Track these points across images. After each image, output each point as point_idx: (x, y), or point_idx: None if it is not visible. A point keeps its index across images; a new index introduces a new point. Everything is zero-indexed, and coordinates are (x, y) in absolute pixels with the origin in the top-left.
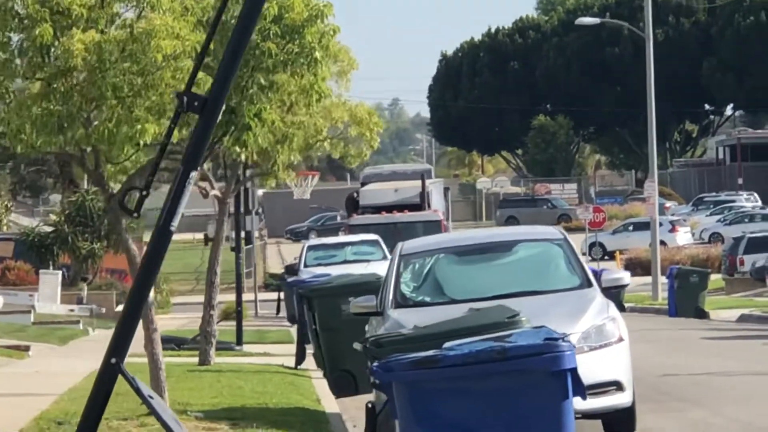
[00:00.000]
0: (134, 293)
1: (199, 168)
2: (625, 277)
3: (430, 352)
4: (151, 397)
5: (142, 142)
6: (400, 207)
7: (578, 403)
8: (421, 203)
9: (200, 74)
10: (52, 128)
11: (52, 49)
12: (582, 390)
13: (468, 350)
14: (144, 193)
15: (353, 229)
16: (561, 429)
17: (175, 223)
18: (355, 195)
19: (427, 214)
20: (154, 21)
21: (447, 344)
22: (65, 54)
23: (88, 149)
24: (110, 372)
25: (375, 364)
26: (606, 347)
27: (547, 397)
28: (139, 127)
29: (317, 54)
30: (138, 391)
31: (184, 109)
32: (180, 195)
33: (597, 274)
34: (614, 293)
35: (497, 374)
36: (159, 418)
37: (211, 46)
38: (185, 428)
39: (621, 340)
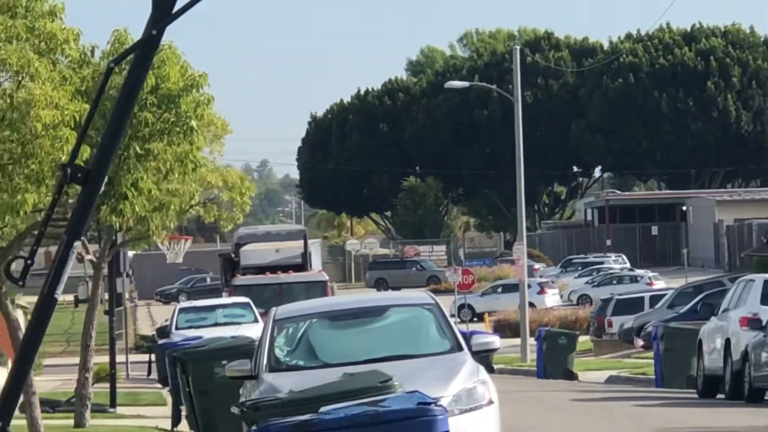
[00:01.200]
0: (20, 358)
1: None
2: (495, 341)
3: (307, 416)
4: None
5: (22, 212)
6: (283, 267)
7: None
8: (303, 263)
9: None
10: None
11: None
12: None
13: (344, 414)
14: (29, 262)
15: (237, 289)
16: None
17: (60, 290)
18: (233, 255)
19: (313, 274)
20: (34, 90)
21: (323, 408)
22: None
23: None
24: None
25: (254, 428)
26: (477, 410)
27: None
28: (19, 197)
29: (193, 123)
30: None
31: (67, 180)
32: (64, 264)
33: (467, 338)
34: (484, 356)
35: None
36: None
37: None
38: None
39: (491, 402)
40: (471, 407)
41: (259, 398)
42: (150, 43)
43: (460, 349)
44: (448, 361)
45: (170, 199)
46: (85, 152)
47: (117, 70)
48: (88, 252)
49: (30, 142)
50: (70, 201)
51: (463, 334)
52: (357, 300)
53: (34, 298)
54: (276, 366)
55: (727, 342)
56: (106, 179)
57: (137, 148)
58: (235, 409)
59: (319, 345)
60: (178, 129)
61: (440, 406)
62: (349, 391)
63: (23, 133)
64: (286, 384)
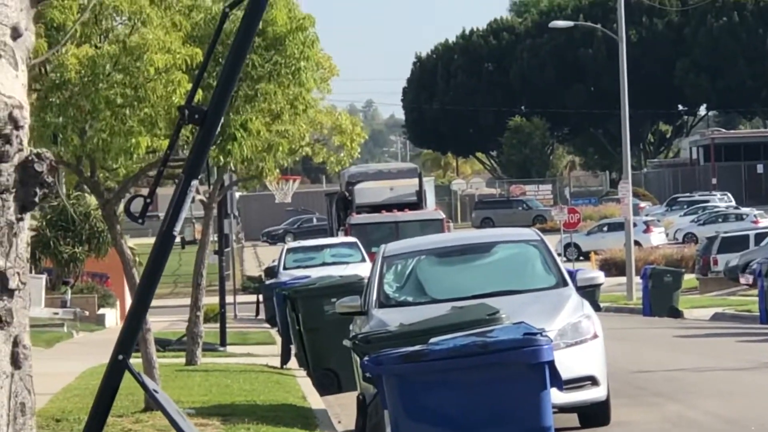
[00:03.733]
0: (139, 295)
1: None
2: (600, 276)
3: (417, 347)
4: (156, 391)
5: (136, 156)
6: (399, 206)
7: (555, 396)
8: (418, 201)
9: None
10: (48, 139)
11: (48, 64)
12: (559, 382)
13: (453, 344)
14: (148, 201)
15: (353, 228)
16: (540, 418)
17: (178, 228)
18: (347, 194)
19: (429, 212)
20: (146, 35)
21: (433, 339)
22: (60, 68)
23: (84, 158)
24: (118, 368)
25: (366, 358)
26: (581, 344)
27: (527, 388)
28: (133, 140)
29: (301, 64)
30: (144, 385)
31: (185, 122)
32: (182, 202)
33: (572, 274)
34: (589, 292)
35: (480, 367)
36: (164, 412)
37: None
38: (189, 421)
39: (596, 336)
40: (576, 341)
41: (371, 331)
42: None
43: (566, 284)
44: (553, 296)
45: (279, 140)
46: (198, 95)
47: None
48: (198, 192)
49: (143, 86)
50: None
51: (568, 271)
52: (464, 237)
53: (139, 240)
54: (385, 302)
55: None
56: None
57: (246, 90)
58: (347, 342)
59: (427, 281)
60: (286, 70)
61: (546, 336)
62: (458, 324)
63: (136, 76)
64: (395, 319)
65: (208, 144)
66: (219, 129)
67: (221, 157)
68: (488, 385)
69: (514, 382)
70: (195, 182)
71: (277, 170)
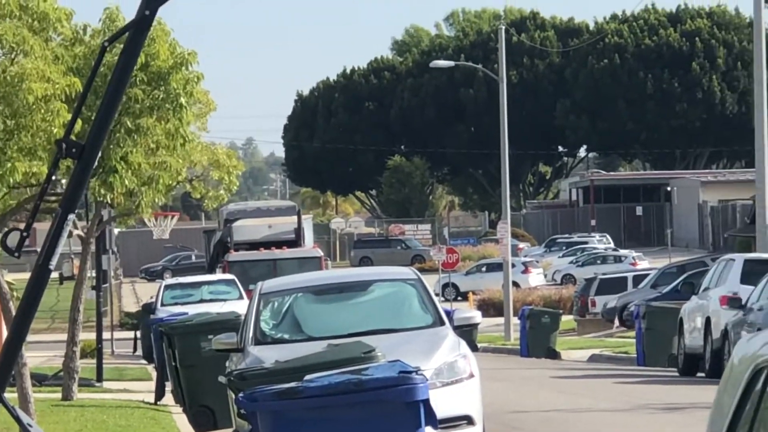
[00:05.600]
0: (15, 328)
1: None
2: (477, 316)
3: (292, 384)
4: (30, 426)
5: (12, 181)
6: (277, 243)
7: None
8: (297, 239)
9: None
10: None
11: None
12: (434, 420)
13: (327, 382)
14: (25, 234)
15: (232, 265)
16: None
17: (54, 261)
18: (223, 232)
19: (308, 250)
20: (26, 65)
21: (308, 377)
22: None
23: None
24: None
25: (240, 395)
26: (457, 383)
27: (402, 427)
28: (9, 165)
29: (182, 100)
30: (18, 420)
31: (63, 155)
32: (59, 236)
33: (449, 314)
34: (467, 332)
35: (355, 405)
36: None
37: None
38: None
39: (472, 376)
40: (452, 380)
41: (246, 368)
42: (143, 22)
43: (442, 323)
44: (430, 335)
45: (159, 173)
46: (77, 126)
47: (109, 48)
48: (76, 227)
49: (23, 116)
50: (57, 178)
51: (446, 311)
52: (341, 275)
53: (16, 275)
54: (261, 339)
55: (708, 321)
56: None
57: (128, 123)
58: (222, 379)
59: (304, 319)
60: (168, 106)
61: (421, 374)
62: (333, 361)
63: (16, 106)
64: (271, 356)
65: (85, 178)
66: (100, 161)
67: (102, 190)
68: (363, 423)
69: (389, 421)
70: (72, 216)
71: (154, 206)
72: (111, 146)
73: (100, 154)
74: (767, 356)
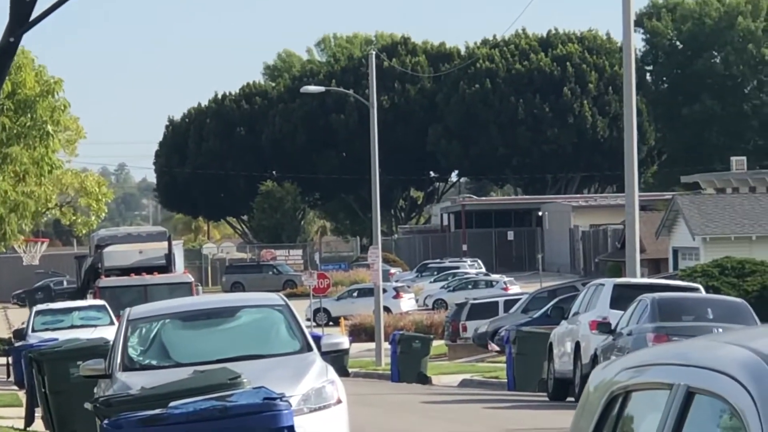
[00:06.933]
0: None
1: None
2: (344, 341)
3: (157, 411)
4: None
5: None
6: (147, 269)
7: None
8: (167, 265)
9: None
10: None
11: None
12: None
13: (192, 409)
14: None
15: (102, 291)
16: None
17: None
18: (94, 257)
19: (178, 276)
20: None
21: (173, 403)
22: None
23: None
24: None
25: (105, 422)
26: (325, 409)
27: None
28: None
29: (49, 128)
30: None
31: None
32: None
33: (318, 339)
34: (338, 357)
35: (220, 431)
36: None
37: None
38: None
39: (339, 402)
40: (320, 406)
41: (112, 395)
42: (7, 50)
43: (310, 349)
44: (297, 361)
45: (26, 200)
46: None
47: None
48: None
49: None
50: None
51: (314, 336)
52: (209, 301)
53: None
54: (129, 365)
55: (577, 345)
56: None
57: None
58: (88, 405)
59: (172, 345)
60: (34, 133)
61: (286, 401)
62: (199, 388)
63: None
64: (138, 382)
65: None
66: None
67: None
68: None
69: None
70: None
71: (22, 233)
72: None
73: None
74: (622, 383)
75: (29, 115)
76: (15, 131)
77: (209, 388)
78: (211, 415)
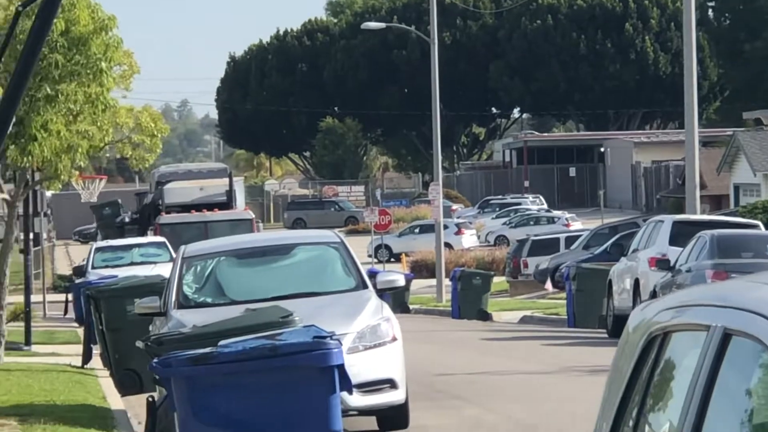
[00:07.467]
0: None
1: None
2: (399, 279)
3: (207, 349)
4: None
5: None
6: (208, 206)
7: (354, 399)
8: (228, 201)
9: None
10: None
11: None
12: (349, 385)
13: (241, 347)
14: None
15: (163, 227)
16: (328, 421)
17: None
18: (155, 194)
19: (239, 212)
20: None
21: (222, 342)
22: None
23: None
24: None
25: (155, 360)
26: (380, 347)
27: (316, 392)
28: None
29: (102, 65)
30: None
31: None
32: None
33: (372, 276)
34: (399, 294)
35: (269, 370)
36: None
37: None
38: None
39: (394, 339)
40: (375, 344)
41: (164, 333)
42: None
43: (365, 286)
44: (352, 298)
45: (79, 141)
46: None
47: (27, 13)
48: (2, 190)
49: None
50: None
51: (371, 272)
52: (264, 238)
53: None
54: (184, 303)
55: (636, 282)
56: (14, 120)
57: (47, 90)
58: (140, 344)
59: (227, 282)
60: (88, 71)
61: (336, 340)
62: (250, 326)
63: None
64: (192, 320)
65: None
66: (20, 129)
67: (21, 158)
68: (277, 388)
69: (302, 386)
70: None
71: (77, 171)
72: (31, 114)
73: (20, 122)
74: (661, 324)
75: (83, 53)
76: (68, 69)
77: (260, 326)
78: (260, 353)
